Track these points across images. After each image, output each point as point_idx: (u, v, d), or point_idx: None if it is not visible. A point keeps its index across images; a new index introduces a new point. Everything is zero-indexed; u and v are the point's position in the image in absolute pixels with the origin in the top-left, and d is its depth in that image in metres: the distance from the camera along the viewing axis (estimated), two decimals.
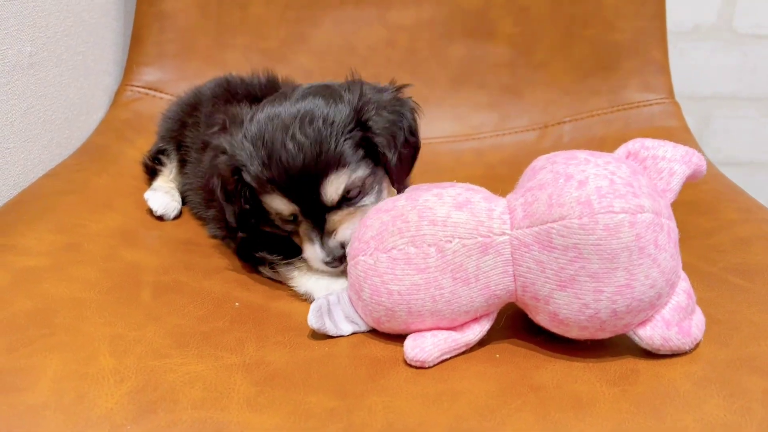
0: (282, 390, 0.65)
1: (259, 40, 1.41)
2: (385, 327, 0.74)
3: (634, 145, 0.74)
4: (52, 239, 0.88)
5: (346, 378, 0.68)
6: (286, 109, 0.80)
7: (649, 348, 0.69)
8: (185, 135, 1.08)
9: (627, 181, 0.67)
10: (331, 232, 0.80)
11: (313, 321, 0.74)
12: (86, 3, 1.23)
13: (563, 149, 0.76)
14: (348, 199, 0.80)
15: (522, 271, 0.68)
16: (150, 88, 1.36)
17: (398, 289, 0.71)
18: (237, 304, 0.81)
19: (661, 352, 0.69)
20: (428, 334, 0.71)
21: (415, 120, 0.86)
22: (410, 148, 0.86)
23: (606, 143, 1.29)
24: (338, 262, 0.80)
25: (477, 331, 0.72)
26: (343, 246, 0.79)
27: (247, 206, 0.82)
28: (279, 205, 0.80)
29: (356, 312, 0.76)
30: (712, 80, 1.66)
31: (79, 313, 0.74)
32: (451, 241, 0.69)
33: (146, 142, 1.25)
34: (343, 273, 0.80)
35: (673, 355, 0.70)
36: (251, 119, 0.81)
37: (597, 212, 0.64)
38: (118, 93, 1.34)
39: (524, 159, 0.77)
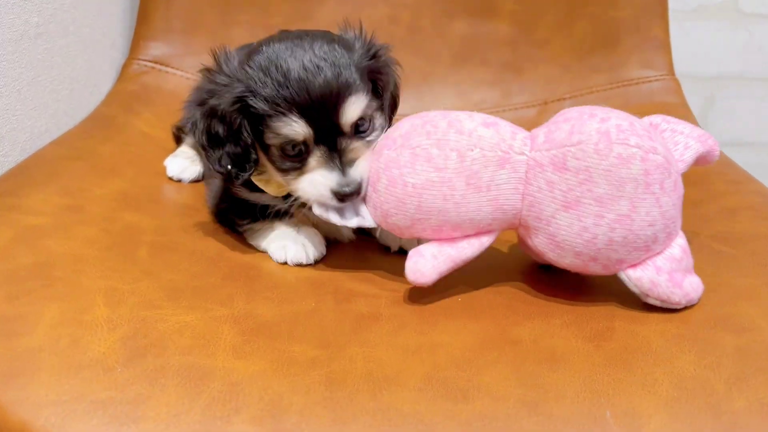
0: (267, 340, 0.68)
1: (264, 17, 1.43)
2: (391, 221, 0.78)
3: (656, 118, 0.80)
4: (56, 201, 0.91)
5: (329, 330, 0.70)
6: (295, 38, 0.80)
7: (637, 290, 0.72)
8: None
9: (646, 128, 0.72)
10: (351, 162, 0.79)
11: (317, 210, 0.79)
12: None
13: None
14: (358, 131, 0.80)
15: (532, 190, 0.73)
16: (156, 62, 1.38)
17: (413, 182, 0.75)
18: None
19: (651, 300, 0.72)
20: (429, 255, 0.75)
21: (398, 78, 0.88)
22: (394, 100, 0.88)
23: None
24: (348, 197, 0.78)
25: (476, 245, 0.76)
26: (359, 184, 0.78)
27: (248, 141, 0.79)
28: (293, 129, 0.76)
29: (366, 206, 0.80)
30: (717, 60, 1.66)
31: (78, 267, 0.77)
32: (472, 150, 0.73)
33: (152, 115, 1.28)
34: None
35: (664, 309, 0.72)
36: (255, 52, 0.79)
37: (613, 142, 0.69)
38: (125, 66, 1.37)
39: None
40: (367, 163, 0.79)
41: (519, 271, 0.83)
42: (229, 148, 0.80)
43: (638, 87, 1.35)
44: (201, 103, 0.81)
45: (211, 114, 0.80)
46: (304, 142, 0.78)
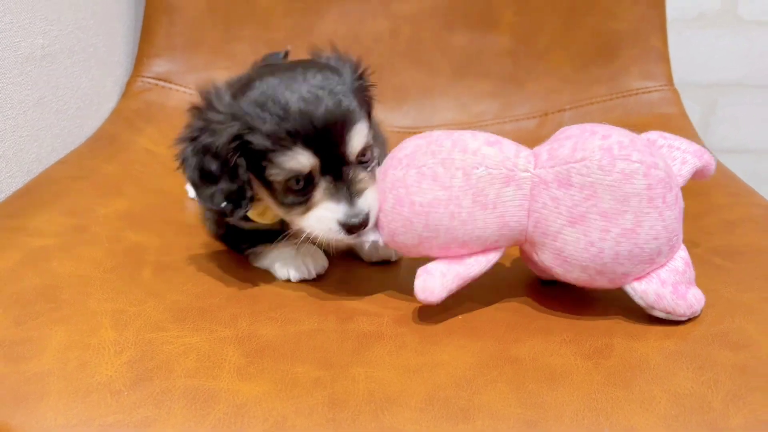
0: (271, 361, 0.69)
1: (265, 32, 1.45)
2: (399, 240, 0.79)
3: (653, 134, 0.81)
4: (62, 221, 0.92)
5: (332, 351, 0.71)
6: (286, 70, 0.77)
7: (643, 302, 0.73)
8: None
9: (646, 144, 0.74)
10: (360, 192, 0.77)
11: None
12: None
13: None
14: (361, 162, 0.78)
15: (537, 206, 0.74)
16: (160, 79, 1.40)
17: (420, 201, 0.75)
18: None
19: (656, 312, 0.73)
20: (437, 273, 0.76)
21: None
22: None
23: None
24: (356, 229, 0.77)
25: (483, 262, 0.77)
26: (367, 215, 0.77)
27: (244, 178, 0.76)
28: (299, 161, 0.74)
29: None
30: (718, 67, 1.66)
31: (84, 289, 0.79)
32: (477, 168, 0.75)
33: (156, 131, 1.30)
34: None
35: (666, 322, 0.73)
36: (247, 87, 0.77)
37: (616, 157, 0.71)
38: (129, 84, 1.39)
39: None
40: (375, 193, 0.78)
41: (521, 286, 0.84)
42: (223, 185, 0.78)
43: (638, 98, 1.36)
44: (192, 140, 0.79)
45: (205, 151, 0.77)
46: (310, 174, 0.76)
